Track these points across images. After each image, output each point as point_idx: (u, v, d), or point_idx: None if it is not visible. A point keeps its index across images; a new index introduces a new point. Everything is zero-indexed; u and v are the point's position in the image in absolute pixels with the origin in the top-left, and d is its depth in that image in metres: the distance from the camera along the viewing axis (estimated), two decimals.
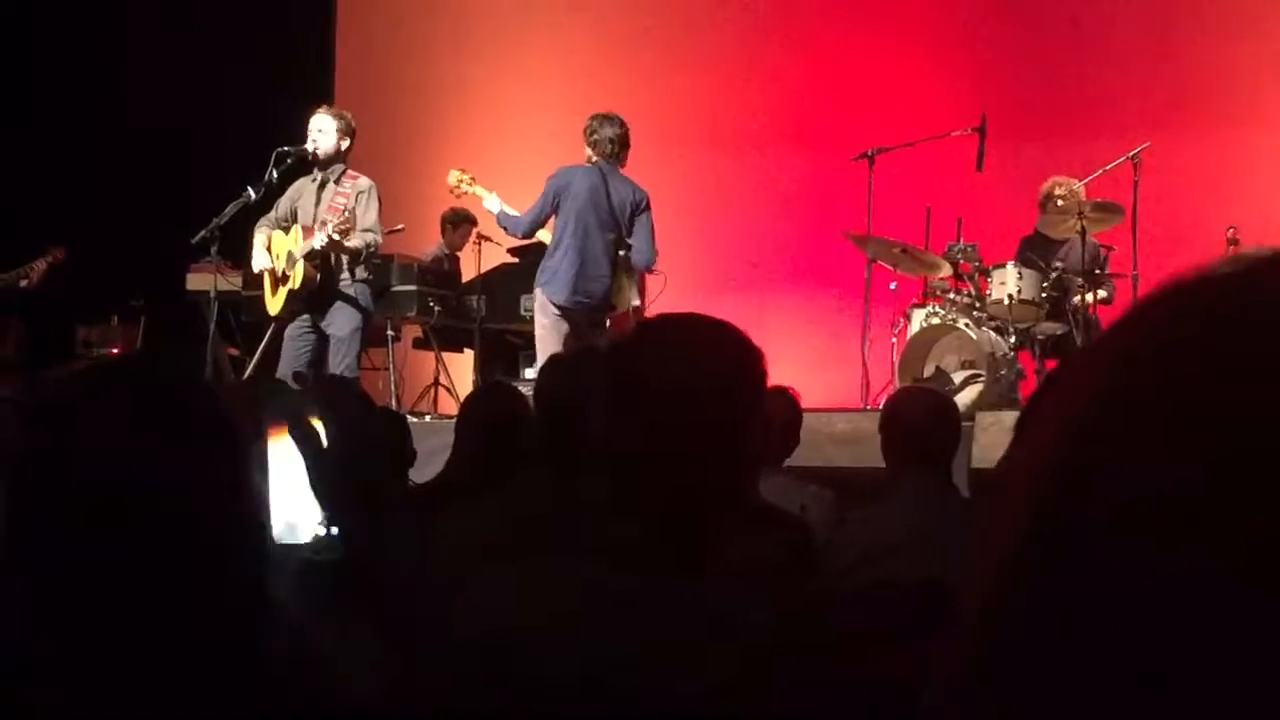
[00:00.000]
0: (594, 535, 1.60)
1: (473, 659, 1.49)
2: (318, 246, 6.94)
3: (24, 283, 9.03)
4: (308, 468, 1.56)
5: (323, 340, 7.14)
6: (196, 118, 9.97)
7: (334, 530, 1.53)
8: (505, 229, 7.72)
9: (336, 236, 6.85)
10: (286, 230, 7.19)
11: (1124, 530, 0.52)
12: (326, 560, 1.53)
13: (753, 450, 1.70)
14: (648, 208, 7.47)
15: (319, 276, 7.06)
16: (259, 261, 7.19)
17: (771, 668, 1.48)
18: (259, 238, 7.23)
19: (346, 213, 6.96)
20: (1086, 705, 0.52)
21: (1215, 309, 0.55)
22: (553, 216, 7.49)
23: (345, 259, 7.11)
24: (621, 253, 7.46)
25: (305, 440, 1.57)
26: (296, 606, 1.42)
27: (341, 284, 7.13)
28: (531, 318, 8.38)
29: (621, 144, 7.50)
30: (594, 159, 7.47)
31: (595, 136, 7.47)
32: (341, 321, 7.13)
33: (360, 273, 7.19)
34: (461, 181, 7.87)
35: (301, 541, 1.63)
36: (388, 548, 1.59)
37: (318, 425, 1.57)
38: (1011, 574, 0.55)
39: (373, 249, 7.16)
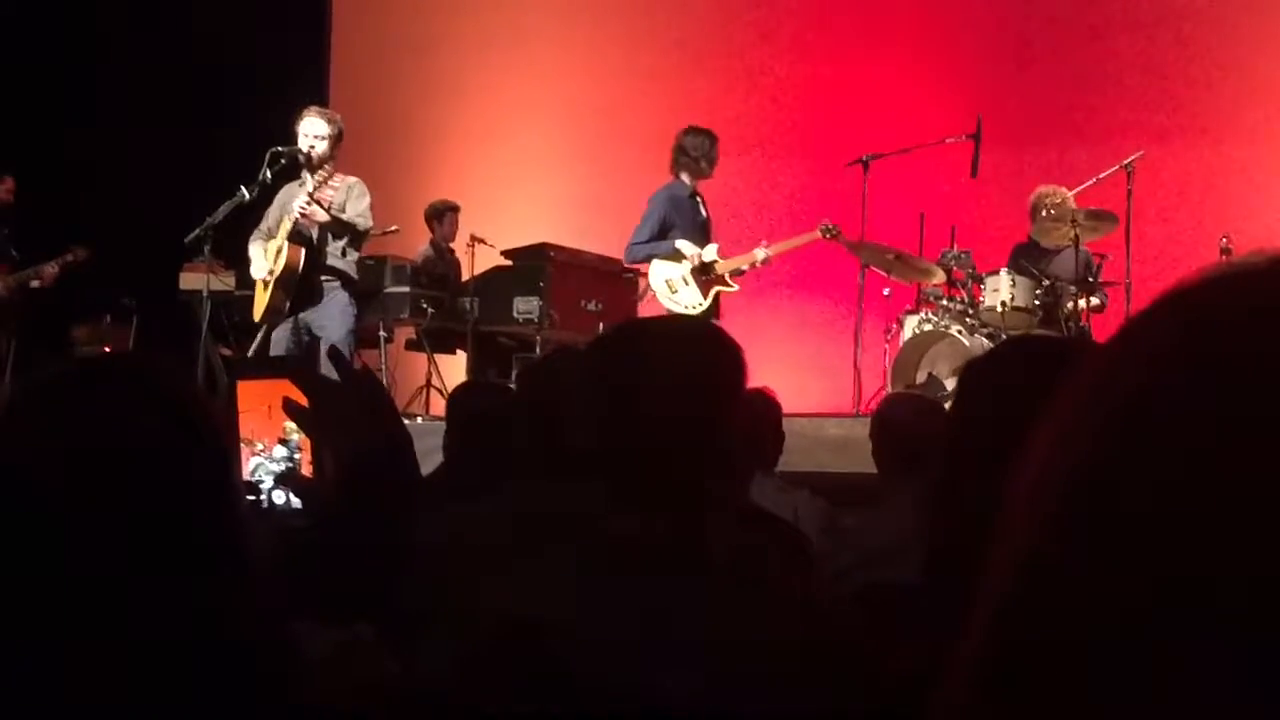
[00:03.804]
0: (589, 533, 1.60)
1: (471, 657, 1.49)
2: (298, 212, 6.97)
3: (35, 283, 8.98)
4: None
5: (311, 342, 7.11)
6: (191, 116, 9.96)
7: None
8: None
9: (317, 193, 6.90)
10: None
11: (1143, 536, 0.51)
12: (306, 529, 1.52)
13: (735, 446, 1.70)
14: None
15: (302, 261, 7.04)
16: (257, 269, 7.18)
17: (771, 668, 1.48)
18: (254, 249, 7.21)
19: (333, 196, 7.00)
20: (1100, 707, 0.51)
21: (1222, 315, 0.54)
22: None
23: (332, 238, 7.10)
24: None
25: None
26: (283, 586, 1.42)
27: (325, 282, 7.11)
28: (523, 320, 8.49)
29: (673, 159, 7.86)
30: None
31: None
32: (335, 325, 7.10)
33: (348, 267, 7.17)
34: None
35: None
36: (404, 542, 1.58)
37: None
38: (1026, 578, 0.55)
39: (363, 230, 7.16)
